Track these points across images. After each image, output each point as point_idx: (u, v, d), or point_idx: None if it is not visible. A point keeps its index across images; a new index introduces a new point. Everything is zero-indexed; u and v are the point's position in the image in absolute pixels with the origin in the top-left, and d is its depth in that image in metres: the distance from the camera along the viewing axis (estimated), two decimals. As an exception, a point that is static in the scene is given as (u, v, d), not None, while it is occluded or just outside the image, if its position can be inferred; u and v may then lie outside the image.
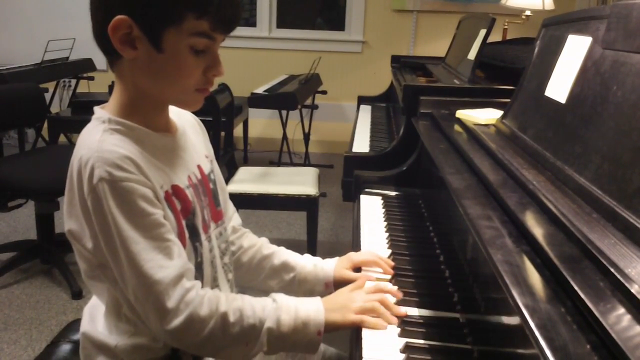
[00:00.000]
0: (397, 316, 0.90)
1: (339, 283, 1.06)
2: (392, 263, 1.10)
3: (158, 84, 0.84)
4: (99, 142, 0.80)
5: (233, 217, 1.12)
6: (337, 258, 1.10)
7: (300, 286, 1.07)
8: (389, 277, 1.05)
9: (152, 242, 0.79)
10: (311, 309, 0.87)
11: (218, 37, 0.83)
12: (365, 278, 1.02)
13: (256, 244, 1.11)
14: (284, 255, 1.10)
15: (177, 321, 0.79)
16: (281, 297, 0.89)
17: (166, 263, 0.79)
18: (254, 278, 1.11)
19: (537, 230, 0.76)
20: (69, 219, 0.85)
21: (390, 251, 1.17)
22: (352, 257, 1.10)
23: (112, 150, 0.79)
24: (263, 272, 1.09)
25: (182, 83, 0.84)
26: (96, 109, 0.88)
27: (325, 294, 1.06)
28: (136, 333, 0.86)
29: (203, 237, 0.93)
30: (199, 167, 0.96)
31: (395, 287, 0.98)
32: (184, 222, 0.88)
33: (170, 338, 0.82)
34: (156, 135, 0.88)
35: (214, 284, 0.97)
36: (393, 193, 1.56)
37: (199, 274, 0.91)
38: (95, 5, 0.81)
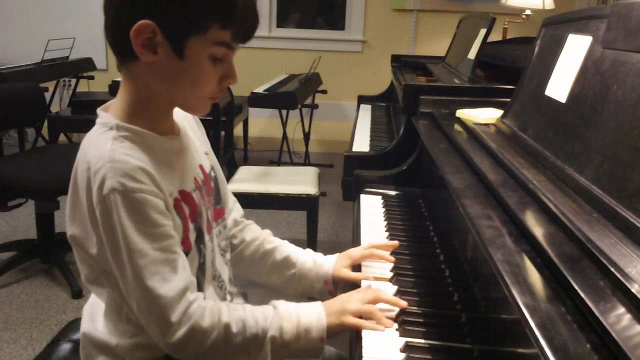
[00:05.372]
0: (398, 308, 0.90)
1: (338, 281, 1.06)
2: (394, 243, 1.11)
3: (174, 89, 0.84)
4: (111, 151, 0.78)
5: (234, 208, 1.12)
6: (337, 255, 1.11)
7: (300, 282, 1.08)
8: (389, 276, 1.05)
9: (160, 254, 0.79)
10: (312, 315, 0.87)
11: (236, 46, 0.84)
12: (367, 279, 1.02)
13: (259, 237, 1.11)
14: (286, 250, 1.10)
15: (179, 334, 0.79)
16: (282, 305, 0.89)
17: (171, 277, 0.79)
18: (255, 272, 1.11)
19: (537, 229, 0.76)
20: (71, 224, 0.84)
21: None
22: (352, 253, 1.10)
23: (124, 161, 0.78)
24: (265, 266, 1.10)
25: (198, 90, 0.84)
26: (100, 112, 0.86)
27: (324, 291, 1.06)
28: (137, 333, 0.86)
29: (207, 237, 0.93)
30: (200, 167, 0.96)
31: (395, 287, 0.98)
32: (191, 226, 0.88)
33: (172, 350, 0.82)
34: (163, 139, 0.87)
35: (215, 283, 0.97)
36: (393, 192, 1.56)
37: (200, 274, 0.91)
38: (116, 5, 0.80)
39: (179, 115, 0.95)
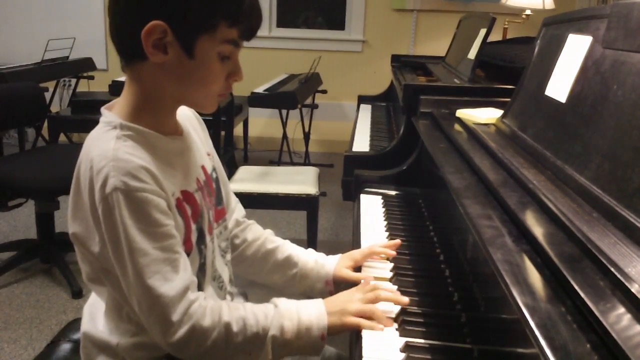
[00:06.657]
0: (400, 305, 0.90)
1: (339, 282, 1.06)
2: (396, 242, 1.11)
3: (183, 88, 0.85)
4: (114, 150, 0.79)
5: (236, 209, 1.12)
6: (339, 255, 1.11)
7: (301, 282, 1.08)
8: (389, 276, 1.05)
9: (161, 253, 0.79)
10: (313, 314, 0.87)
11: (242, 44, 0.85)
12: (367, 280, 1.02)
13: (260, 237, 1.11)
14: (287, 250, 1.10)
15: (180, 333, 0.79)
16: (283, 303, 0.89)
17: (172, 276, 0.79)
18: (257, 272, 1.11)
19: (537, 229, 0.76)
20: (73, 222, 0.84)
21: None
22: (354, 255, 1.10)
23: (127, 160, 0.78)
24: (266, 266, 1.10)
25: (207, 88, 0.85)
26: (104, 111, 0.87)
27: (324, 291, 1.06)
28: (138, 332, 0.86)
29: (208, 238, 0.93)
30: (202, 167, 0.96)
31: (395, 287, 0.98)
32: (193, 227, 0.88)
33: (173, 350, 0.82)
34: (166, 139, 0.87)
35: (215, 283, 0.97)
36: (393, 192, 1.56)
37: (201, 275, 0.91)
38: (124, 6, 0.80)
39: (182, 116, 0.95)
